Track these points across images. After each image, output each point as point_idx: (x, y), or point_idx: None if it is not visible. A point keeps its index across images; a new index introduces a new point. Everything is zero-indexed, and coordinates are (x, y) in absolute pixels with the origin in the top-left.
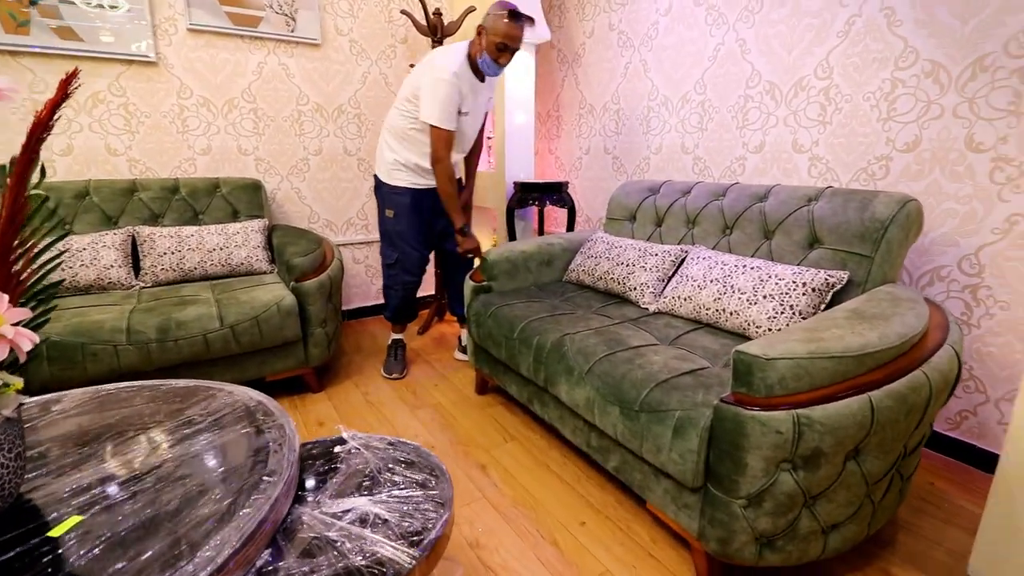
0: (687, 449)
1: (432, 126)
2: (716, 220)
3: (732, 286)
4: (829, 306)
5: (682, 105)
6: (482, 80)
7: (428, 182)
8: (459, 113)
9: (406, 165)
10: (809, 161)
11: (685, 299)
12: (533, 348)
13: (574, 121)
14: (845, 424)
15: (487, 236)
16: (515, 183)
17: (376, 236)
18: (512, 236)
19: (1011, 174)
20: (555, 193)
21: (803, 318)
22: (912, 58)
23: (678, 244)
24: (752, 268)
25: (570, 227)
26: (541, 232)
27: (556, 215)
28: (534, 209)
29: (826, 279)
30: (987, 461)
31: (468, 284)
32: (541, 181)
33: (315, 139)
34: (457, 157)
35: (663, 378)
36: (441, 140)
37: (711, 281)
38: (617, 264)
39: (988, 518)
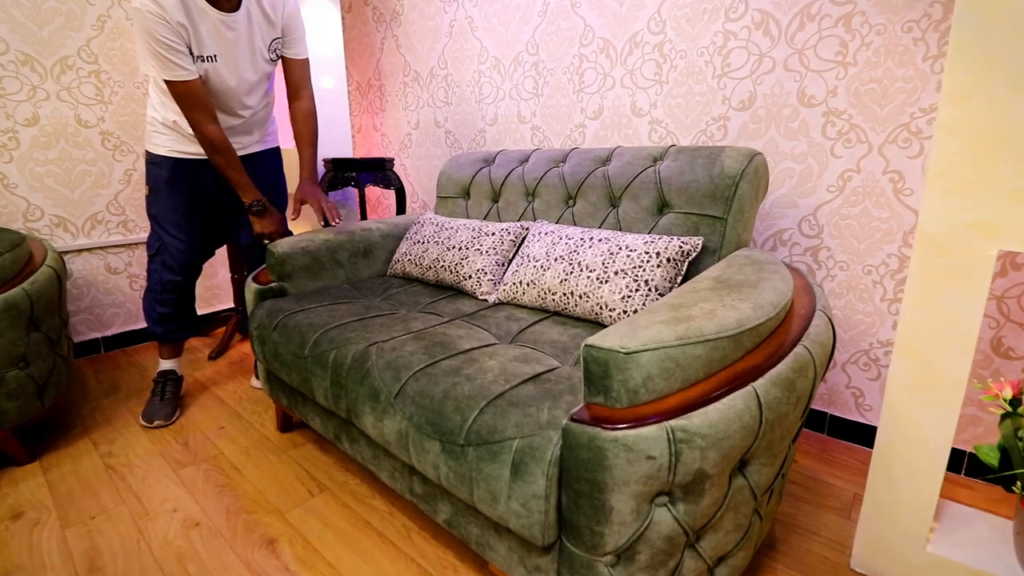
0: (531, 496)
1: (166, 82)
2: (557, 190)
3: (579, 263)
4: (686, 278)
5: (515, 68)
6: (233, 8)
7: (199, 149)
8: (198, 58)
9: (165, 124)
10: (649, 125)
11: (528, 284)
12: (330, 367)
13: (398, 91)
14: (731, 431)
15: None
16: (326, 160)
17: (141, 236)
18: (326, 225)
19: (841, 128)
20: (378, 172)
21: (660, 294)
22: (742, 8)
23: (518, 221)
24: (600, 240)
25: (400, 212)
26: (364, 219)
27: (386, 201)
28: (354, 193)
29: (680, 247)
30: (841, 429)
31: (250, 287)
32: (358, 157)
33: (26, 104)
34: (233, 121)
35: (498, 391)
36: (179, 97)
37: (555, 260)
38: (448, 249)
39: (868, 505)
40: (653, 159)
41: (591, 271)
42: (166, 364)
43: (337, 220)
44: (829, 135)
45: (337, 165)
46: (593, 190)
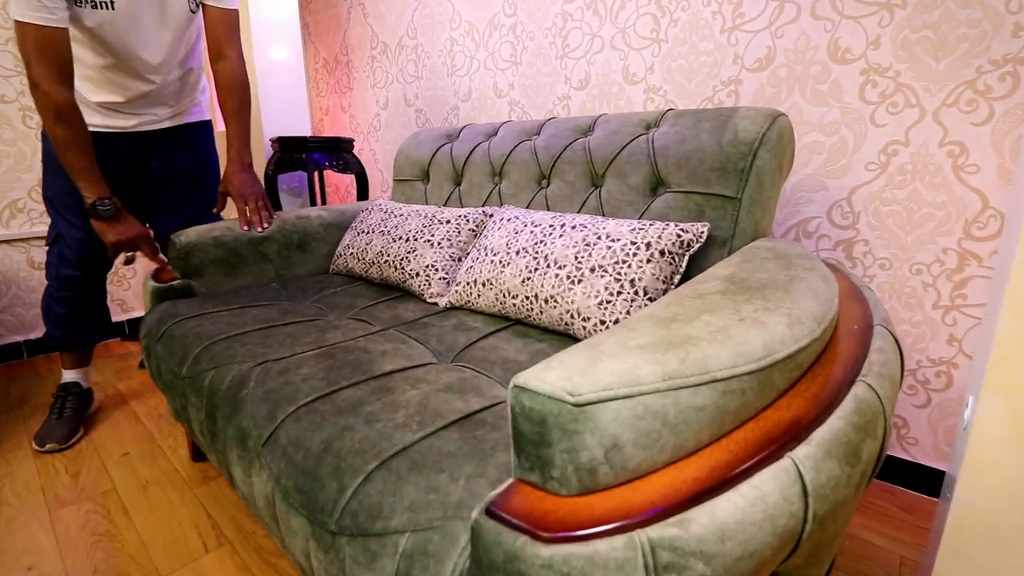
0: None
1: (15, 22)
2: (528, 167)
3: (545, 257)
4: (686, 278)
5: (490, 33)
6: None
7: (103, 121)
8: (86, 3)
9: None
10: (644, 94)
11: (484, 285)
12: (205, 394)
13: (366, 66)
14: (756, 543)
15: None
16: (272, 140)
17: None
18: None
19: (885, 89)
20: (335, 154)
21: (650, 299)
22: None
23: (482, 206)
24: (574, 228)
25: (362, 200)
26: None
27: (346, 187)
28: (308, 178)
29: (678, 236)
30: (884, 467)
31: (147, 285)
32: (312, 136)
33: None
34: (140, 87)
35: (402, 443)
36: (29, 43)
37: (516, 253)
38: (393, 240)
39: None
40: (646, 126)
41: (560, 267)
42: (68, 375)
43: (263, 227)
44: (869, 98)
45: (285, 145)
46: (571, 167)
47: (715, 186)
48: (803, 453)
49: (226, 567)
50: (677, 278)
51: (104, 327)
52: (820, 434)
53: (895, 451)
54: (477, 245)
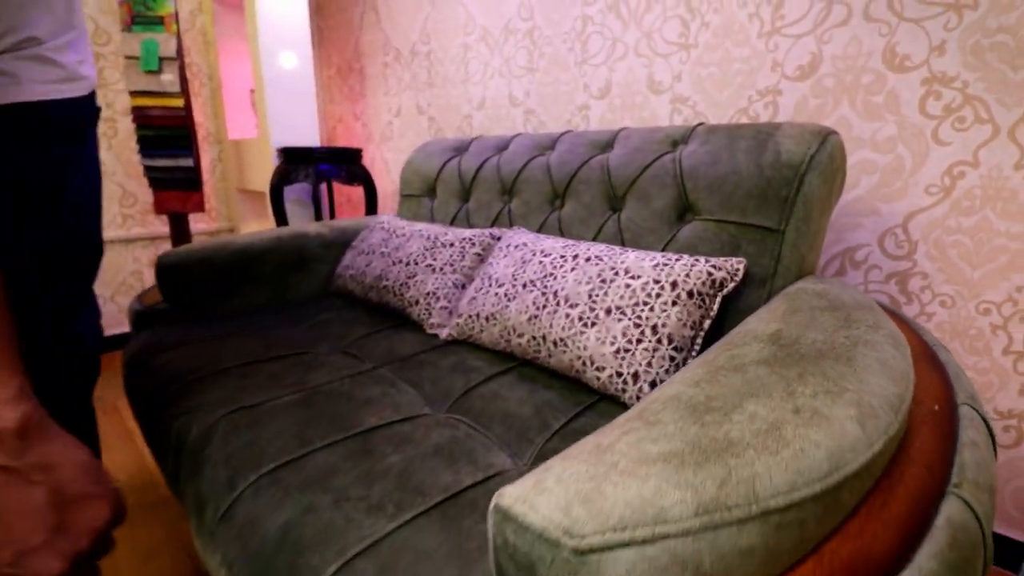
0: None
1: None
2: (540, 186)
3: (556, 293)
4: (717, 323)
5: (505, 38)
6: None
7: None
8: None
9: None
10: (671, 104)
11: (487, 319)
12: (172, 444)
13: (379, 74)
14: None
15: None
16: (279, 150)
17: None
18: None
19: (951, 101)
20: (343, 164)
21: (675, 349)
22: None
23: (491, 227)
24: (588, 260)
25: (371, 213)
26: None
27: (358, 198)
28: (314, 190)
29: (710, 274)
30: None
31: (131, 308)
32: (319, 147)
33: None
34: None
35: (369, 538)
36: None
37: (524, 286)
38: (393, 263)
39: None
40: (673, 143)
41: (572, 306)
42: None
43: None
44: (932, 112)
45: (289, 156)
46: (587, 187)
47: (753, 215)
48: None
49: None
50: (707, 323)
51: None
52: None
53: None
54: (481, 274)
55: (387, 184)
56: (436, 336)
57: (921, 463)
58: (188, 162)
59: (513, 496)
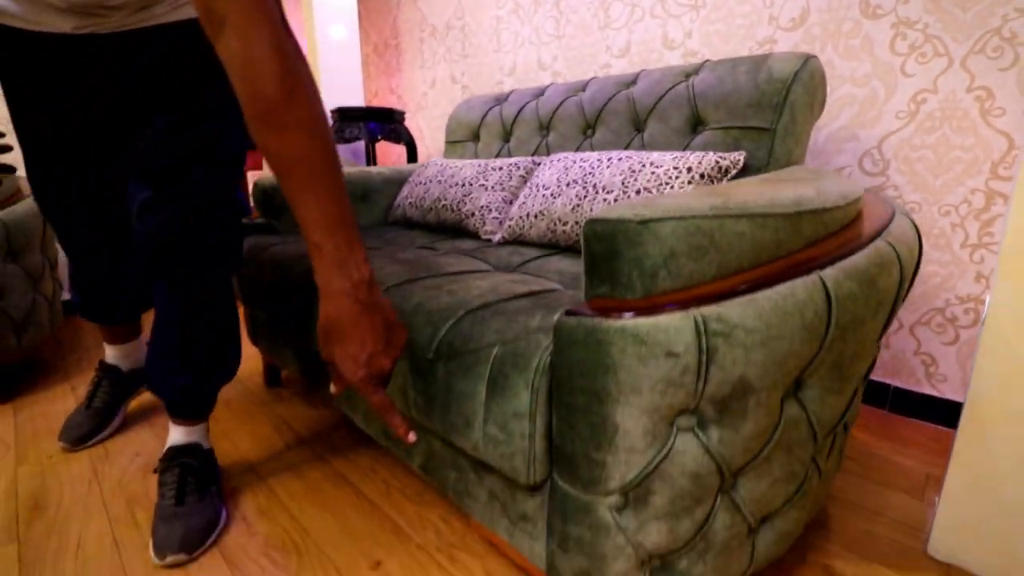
0: (512, 414)
1: None
2: (575, 120)
3: (595, 186)
4: None
5: (535, 10)
6: None
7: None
8: None
9: None
10: (683, 58)
11: (536, 216)
12: (302, 295)
13: (416, 48)
14: (787, 329)
15: None
16: (333, 111)
17: None
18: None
19: (915, 40)
20: (388, 123)
21: None
22: None
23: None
24: (620, 159)
25: None
26: None
27: (394, 157)
28: (362, 148)
29: (717, 162)
30: (907, 404)
31: None
32: (366, 106)
33: None
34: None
35: (482, 303)
36: None
37: (567, 184)
38: (450, 187)
39: (956, 473)
40: (686, 75)
41: (608, 192)
42: (108, 353)
43: (407, 439)
44: (899, 50)
45: (344, 116)
46: (615, 116)
47: (751, 120)
48: (828, 272)
49: (305, 458)
50: None
51: (121, 303)
52: (842, 264)
53: (924, 388)
54: (529, 184)
55: (422, 149)
56: (490, 240)
57: (862, 228)
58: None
59: (597, 213)
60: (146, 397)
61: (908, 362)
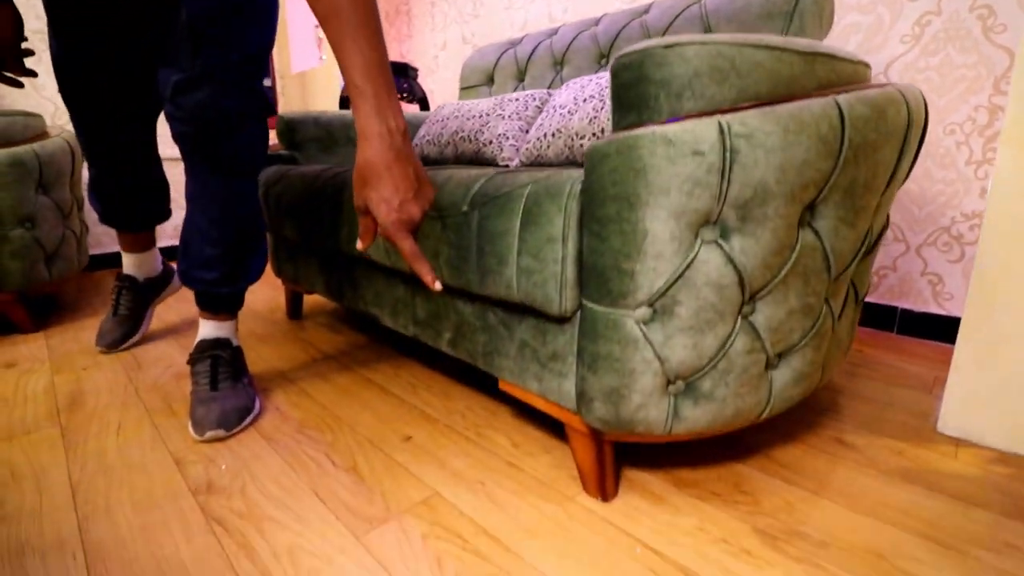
0: (545, 240)
1: None
2: (589, 51)
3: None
4: None
5: None
6: None
7: None
8: None
9: None
10: None
11: (553, 135)
12: (331, 193)
13: (427, 12)
14: (804, 138)
15: None
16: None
17: None
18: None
19: None
20: (402, 78)
21: None
22: None
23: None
24: None
25: None
26: None
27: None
28: None
29: None
30: (915, 325)
31: None
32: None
33: None
34: None
35: (508, 170)
36: None
37: (584, 100)
38: (467, 120)
39: (964, 347)
40: None
41: None
42: (125, 263)
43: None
44: None
45: None
46: (629, 43)
47: (762, 29)
48: (841, 96)
49: (334, 368)
50: None
51: (146, 207)
52: (855, 92)
53: (932, 307)
54: (546, 108)
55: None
56: (507, 166)
57: (875, 85)
58: (267, 82)
59: (624, 49)
60: (172, 319)
61: (915, 283)
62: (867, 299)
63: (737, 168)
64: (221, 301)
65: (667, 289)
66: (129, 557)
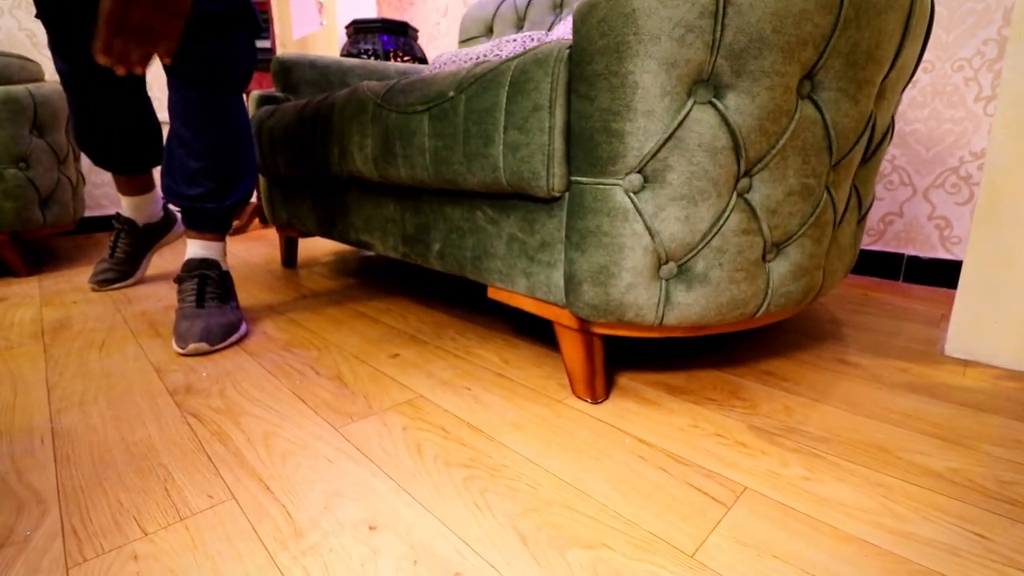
0: (531, 109)
1: None
2: None
3: None
4: None
5: None
6: None
7: None
8: None
9: None
10: None
11: None
12: (323, 115)
13: None
14: None
15: None
16: (348, 24)
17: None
18: None
19: None
20: (400, 36)
21: None
22: None
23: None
24: None
25: None
26: None
27: None
28: None
29: None
30: (922, 272)
31: (252, 95)
32: (381, 18)
33: None
34: None
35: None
36: None
37: None
38: (465, 62)
39: (971, 267)
40: None
41: None
42: (124, 205)
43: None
44: None
45: (358, 27)
46: None
47: None
48: None
49: (323, 302)
50: None
51: (136, 150)
52: None
53: (939, 252)
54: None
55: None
56: None
57: None
58: (266, 43)
59: None
60: (166, 265)
61: (922, 228)
62: (872, 247)
63: (731, 11)
64: (207, 218)
65: (658, 150)
66: (98, 441)
